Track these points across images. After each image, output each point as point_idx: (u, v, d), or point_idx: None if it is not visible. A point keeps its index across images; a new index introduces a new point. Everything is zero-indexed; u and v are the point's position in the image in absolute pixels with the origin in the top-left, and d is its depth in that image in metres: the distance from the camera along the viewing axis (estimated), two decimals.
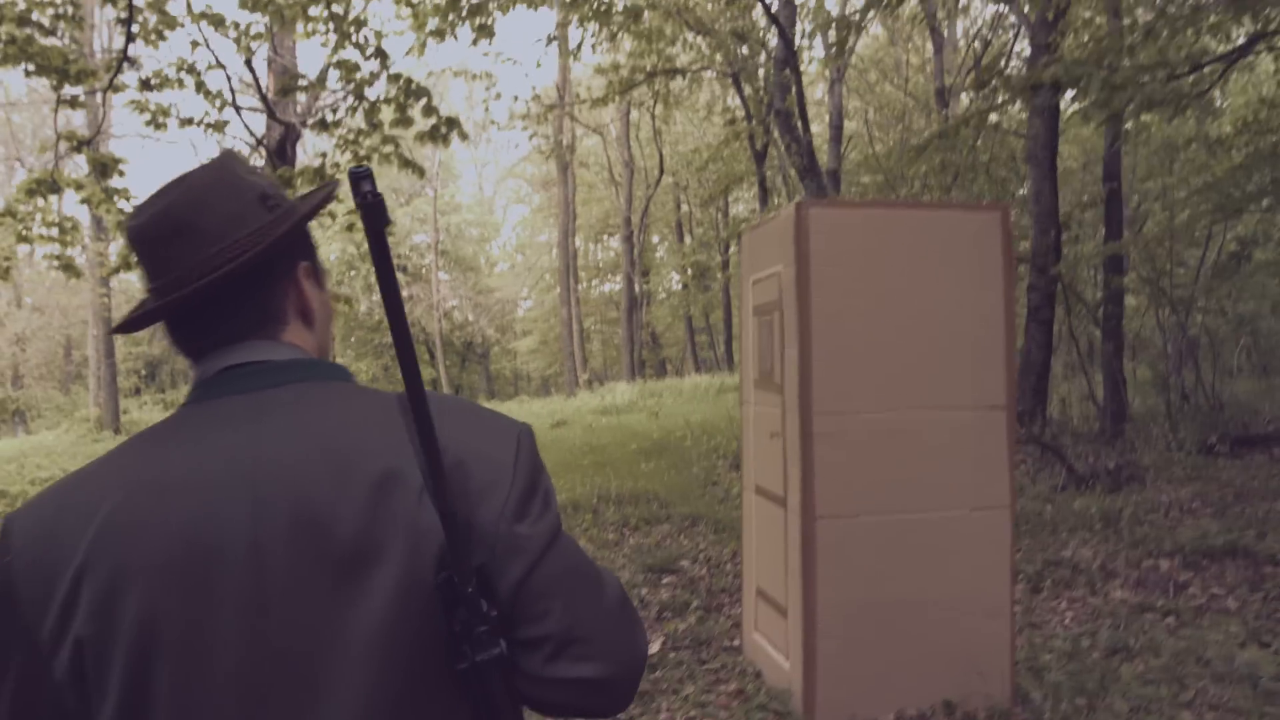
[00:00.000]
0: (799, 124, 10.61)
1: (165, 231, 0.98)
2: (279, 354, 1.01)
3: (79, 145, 6.00)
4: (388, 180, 26.92)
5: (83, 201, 6.47)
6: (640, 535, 6.83)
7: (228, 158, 1.05)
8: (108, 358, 21.60)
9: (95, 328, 23.71)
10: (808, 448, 3.75)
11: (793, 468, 3.87)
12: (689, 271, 26.20)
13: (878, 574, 3.81)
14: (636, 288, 23.36)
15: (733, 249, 24.09)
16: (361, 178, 0.84)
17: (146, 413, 25.68)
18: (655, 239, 31.30)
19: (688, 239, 28.42)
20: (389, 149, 6.58)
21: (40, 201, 6.26)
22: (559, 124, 21.03)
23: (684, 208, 28.25)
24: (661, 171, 22.76)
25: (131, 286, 33.82)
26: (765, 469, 4.36)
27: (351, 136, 7.06)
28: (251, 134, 11.49)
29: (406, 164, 7.53)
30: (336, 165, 7.13)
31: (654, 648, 4.63)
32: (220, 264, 0.96)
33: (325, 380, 1.01)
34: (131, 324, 1.03)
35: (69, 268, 6.84)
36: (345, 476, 0.88)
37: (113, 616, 0.85)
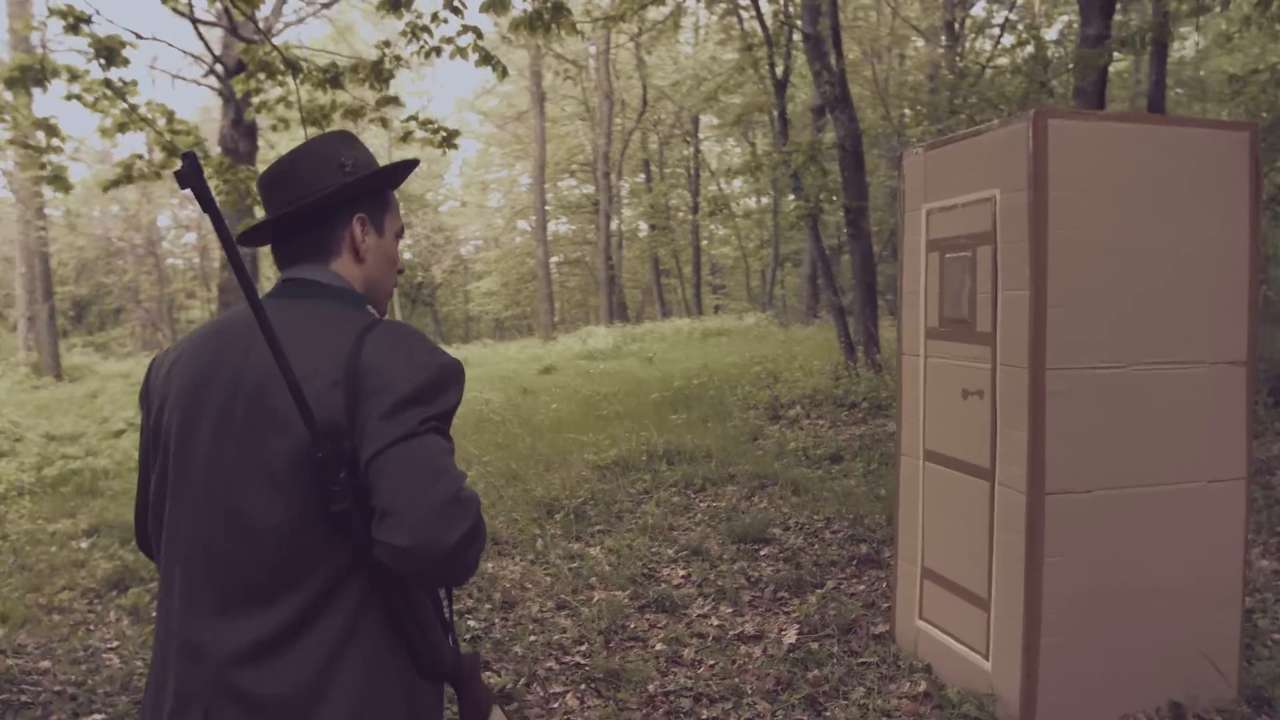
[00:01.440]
0: (831, 50, 9.85)
1: (274, 180, 1.53)
2: (320, 276, 1.49)
3: (75, 23, 4.96)
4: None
5: (71, 98, 5.45)
6: (708, 498, 6.19)
7: (336, 135, 1.57)
8: (46, 299, 20.04)
9: (24, 264, 22.00)
10: (1037, 410, 3.11)
11: (1011, 433, 3.23)
12: (663, 213, 25.39)
13: (1106, 558, 3.22)
14: (615, 227, 22.44)
15: (723, 188, 23.30)
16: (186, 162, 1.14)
17: (82, 356, 24.11)
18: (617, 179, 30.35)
19: (656, 178, 27.53)
20: (467, 40, 5.61)
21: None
22: (536, 50, 19.85)
23: (653, 146, 27.32)
24: (645, 104, 21.75)
25: (62, 222, 31.75)
26: (950, 433, 3.72)
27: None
28: (209, 50, 10.36)
29: (487, 60, 6.55)
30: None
31: (790, 637, 4.00)
32: (293, 204, 1.48)
33: (335, 302, 1.46)
34: (243, 239, 1.61)
35: (58, 179, 5.82)
36: (303, 364, 1.29)
37: (162, 413, 1.46)
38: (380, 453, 1.24)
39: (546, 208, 23.01)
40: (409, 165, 1.63)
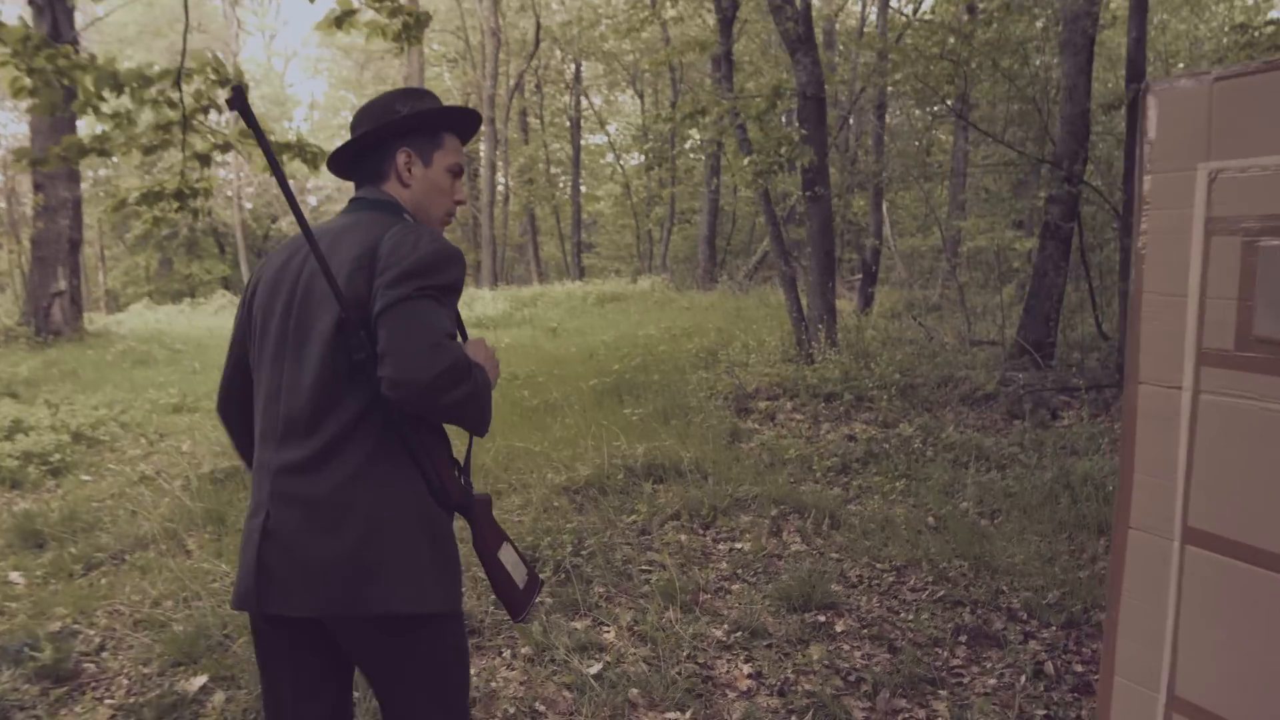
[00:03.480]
0: None
1: (353, 122, 1.98)
2: (372, 195, 1.93)
3: None
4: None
5: None
6: (724, 536, 4.80)
7: (404, 90, 2.00)
8: None
9: None
10: None
11: None
12: (543, 167, 23.54)
13: None
14: (503, 182, 20.46)
15: (600, 137, 21.62)
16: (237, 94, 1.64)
17: None
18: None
19: (534, 124, 25.57)
20: None
21: None
22: None
23: (531, 95, 25.32)
24: (538, 42, 19.79)
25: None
26: (1245, 510, 2.44)
27: None
28: None
29: None
30: None
31: None
32: (356, 137, 1.93)
33: (377, 211, 1.88)
34: (330, 167, 2.04)
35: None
36: (342, 255, 1.74)
37: (253, 301, 1.91)
38: (384, 310, 1.64)
39: None
40: (455, 111, 2.00)
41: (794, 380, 7.83)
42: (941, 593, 4.08)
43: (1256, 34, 7.80)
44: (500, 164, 20.70)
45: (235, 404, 1.99)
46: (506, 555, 1.94)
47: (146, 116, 4.89)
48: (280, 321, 1.81)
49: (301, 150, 4.79)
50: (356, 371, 1.69)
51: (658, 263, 23.47)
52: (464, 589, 2.97)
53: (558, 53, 22.63)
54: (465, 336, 1.95)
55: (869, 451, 6.20)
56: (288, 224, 35.67)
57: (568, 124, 24.92)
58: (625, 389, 7.84)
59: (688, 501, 5.07)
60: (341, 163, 2.00)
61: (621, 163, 24.95)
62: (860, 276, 14.24)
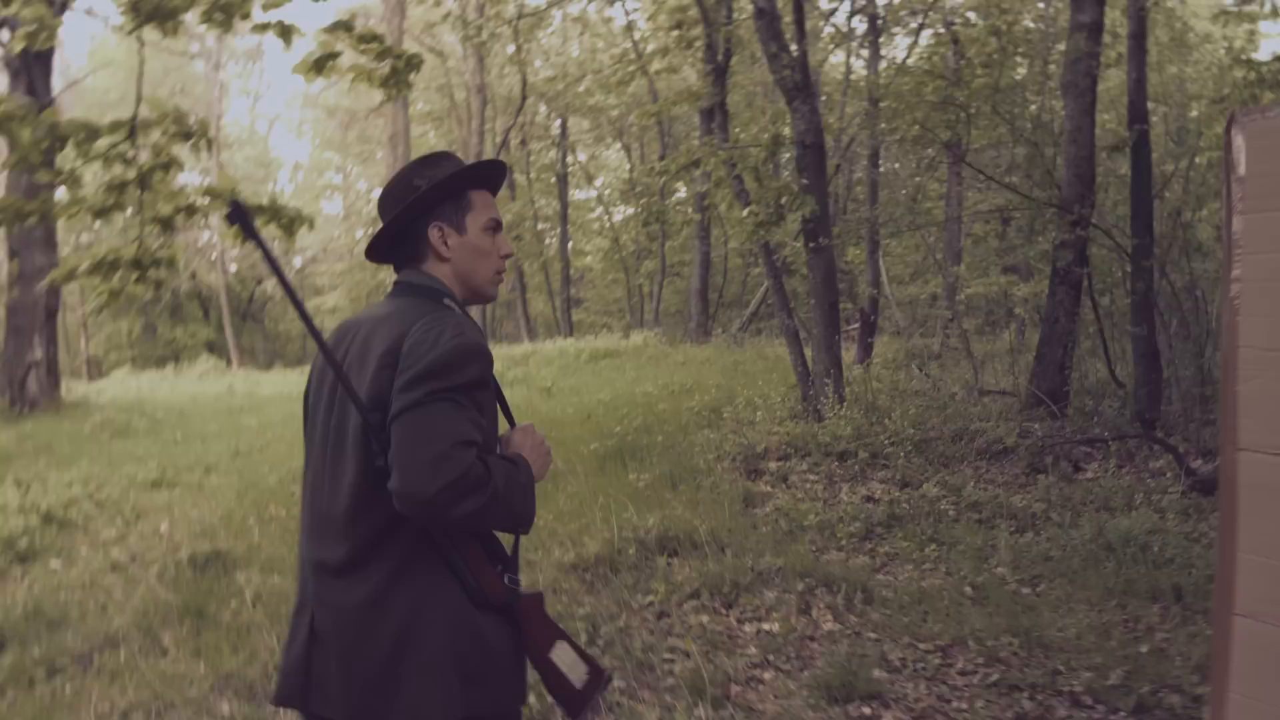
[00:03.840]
0: (793, 29, 8.33)
1: (379, 204, 1.94)
2: (413, 278, 1.87)
3: None
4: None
5: None
6: (748, 615, 4.42)
7: (422, 158, 1.95)
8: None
9: None
10: None
11: None
12: (531, 222, 23.39)
13: None
14: None
15: (587, 192, 21.48)
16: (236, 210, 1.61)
17: None
18: None
19: (520, 180, 25.50)
20: None
21: None
22: (398, 37, 17.48)
23: (516, 150, 25.29)
24: (524, 98, 19.72)
25: None
26: None
27: None
28: None
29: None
30: None
31: None
32: (383, 225, 1.90)
33: (415, 297, 1.83)
34: (368, 255, 2.00)
35: None
36: (374, 350, 1.71)
37: (309, 382, 1.91)
38: (395, 418, 1.59)
39: None
40: (476, 168, 1.93)
41: (804, 439, 7.49)
42: (995, 676, 3.71)
43: (1265, 70, 7.65)
44: None
45: None
46: (561, 655, 1.83)
47: (98, 175, 4.45)
48: (325, 415, 1.81)
49: (276, 214, 4.36)
50: (384, 476, 1.61)
51: (649, 317, 23.24)
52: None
53: (543, 108, 22.58)
54: (512, 422, 1.95)
55: (891, 514, 5.85)
56: (273, 285, 35.43)
57: (554, 180, 24.85)
58: (628, 452, 7.49)
59: (707, 578, 4.70)
60: (380, 250, 1.95)
61: (609, 217, 24.85)
62: (857, 326, 14.01)
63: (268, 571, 4.91)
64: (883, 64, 13.23)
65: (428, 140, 26.07)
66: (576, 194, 28.26)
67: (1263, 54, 8.71)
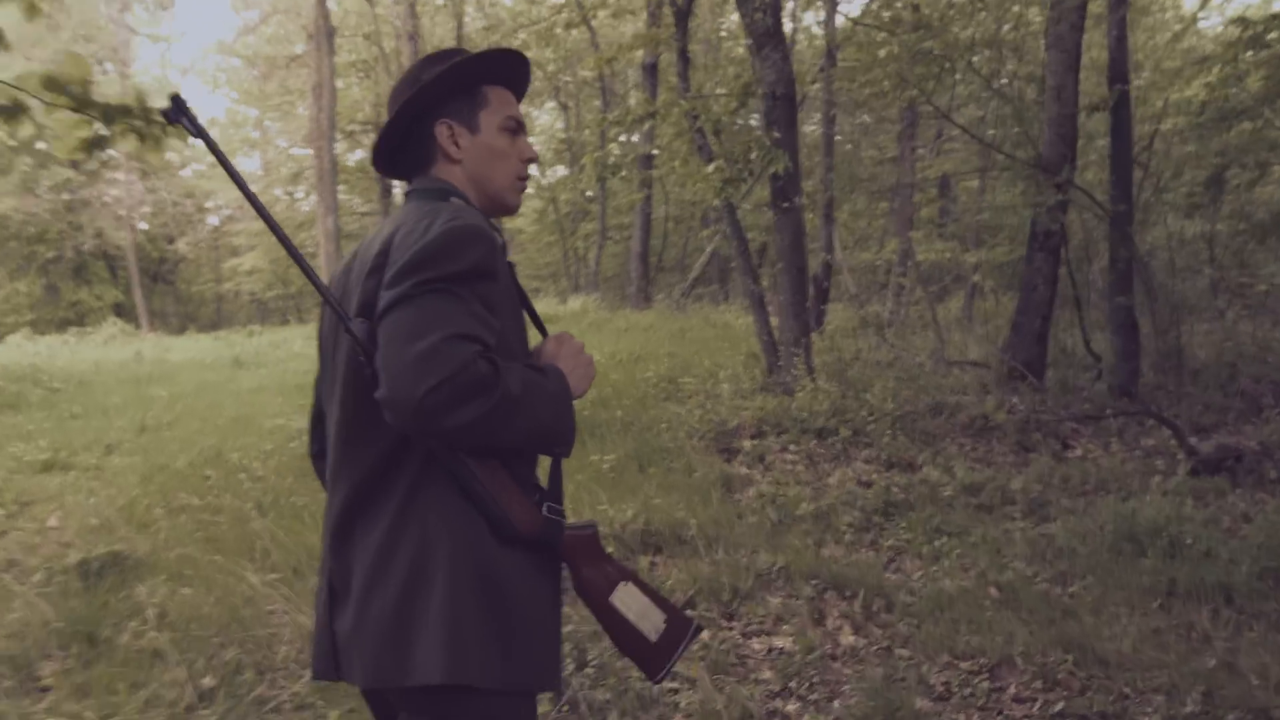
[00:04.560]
0: None
1: (388, 108, 1.67)
2: (423, 183, 1.63)
3: None
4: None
5: None
6: (754, 625, 3.80)
7: (432, 55, 1.67)
8: None
9: None
10: None
11: None
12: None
13: None
14: None
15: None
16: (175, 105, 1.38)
17: None
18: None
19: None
20: None
21: None
22: None
23: None
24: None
25: None
26: None
27: None
28: None
29: None
30: None
31: None
32: (386, 124, 1.64)
33: (422, 200, 1.58)
34: (375, 165, 1.74)
35: None
36: (367, 259, 1.51)
37: (324, 319, 1.66)
38: (380, 318, 1.35)
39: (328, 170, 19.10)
40: (489, 57, 1.64)
41: (778, 414, 6.90)
42: (1059, 705, 3.16)
43: (1260, 28, 7.23)
44: None
45: (322, 455, 1.71)
46: (627, 599, 1.54)
47: None
48: (330, 348, 1.62)
49: (145, 118, 2.99)
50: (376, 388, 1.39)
51: (585, 281, 22.44)
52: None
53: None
54: (544, 333, 1.65)
55: (888, 501, 5.30)
56: (184, 244, 33.51)
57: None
58: (587, 429, 6.79)
59: (702, 582, 4.06)
60: (386, 159, 1.71)
61: (544, 176, 23.84)
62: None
63: (176, 580, 4.10)
64: (839, 19, 12.58)
65: (351, 93, 24.62)
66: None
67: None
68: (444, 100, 1.62)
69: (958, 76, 8.79)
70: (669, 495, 5.18)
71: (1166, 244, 9.00)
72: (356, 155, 26.87)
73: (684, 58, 8.59)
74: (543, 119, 29.26)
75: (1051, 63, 8.04)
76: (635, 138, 16.60)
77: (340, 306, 1.46)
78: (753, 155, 7.54)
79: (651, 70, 16.33)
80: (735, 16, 14.56)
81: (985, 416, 6.94)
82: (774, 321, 8.68)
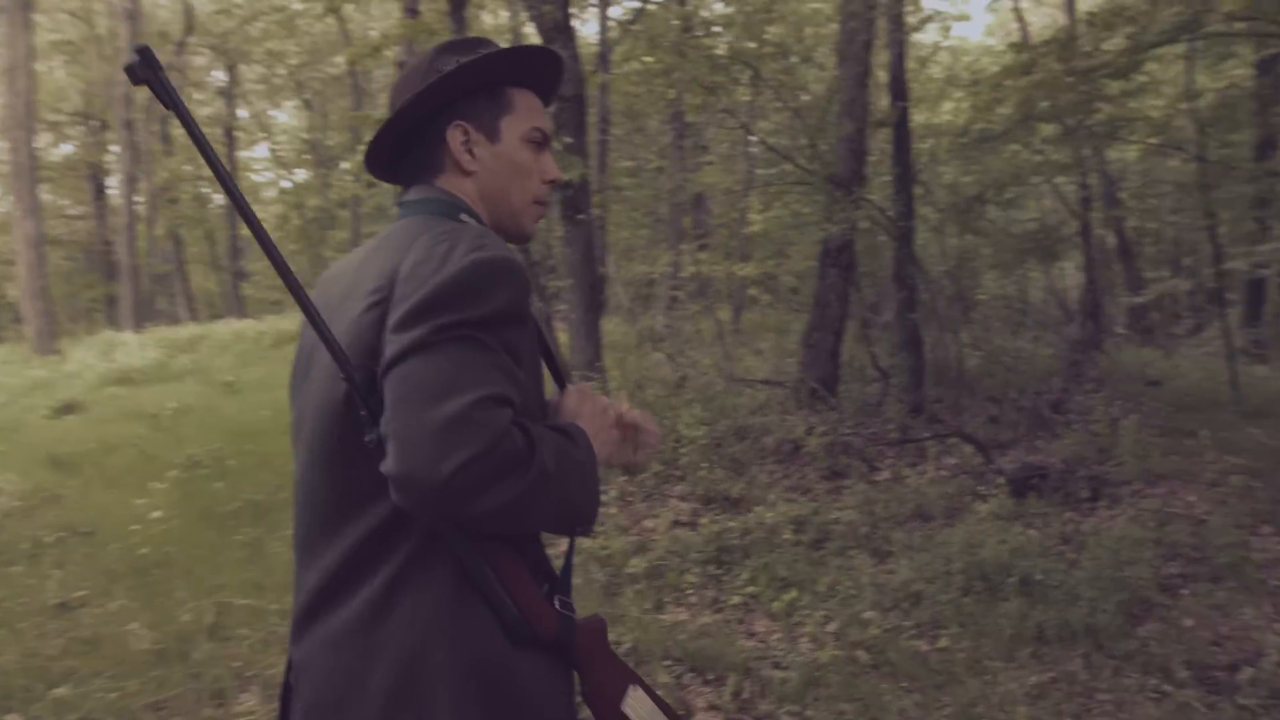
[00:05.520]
0: None
1: (390, 101, 1.38)
2: (425, 194, 1.33)
3: None
4: None
5: None
6: None
7: (449, 41, 1.38)
8: None
9: None
10: None
11: None
12: (191, 182, 19.90)
13: None
14: (142, 200, 16.58)
15: (253, 151, 18.67)
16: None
17: None
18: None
19: (179, 135, 21.74)
20: None
21: None
22: None
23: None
24: (189, 33, 16.27)
25: None
26: None
27: None
28: None
29: None
30: None
31: None
32: (389, 119, 1.34)
33: (424, 215, 1.29)
34: (368, 165, 1.43)
35: None
36: (363, 289, 1.21)
37: (300, 353, 1.35)
38: (388, 370, 1.09)
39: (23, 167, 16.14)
40: (521, 54, 1.36)
41: None
42: None
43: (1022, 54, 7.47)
44: (141, 179, 16.92)
45: None
46: (636, 705, 1.27)
47: None
48: (304, 392, 1.31)
49: None
50: (374, 457, 1.10)
51: None
52: None
53: (207, 53, 19.20)
54: (562, 383, 1.40)
55: (720, 548, 4.78)
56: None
57: (222, 135, 21.34)
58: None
59: None
60: (384, 159, 1.41)
61: (289, 178, 21.93)
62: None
63: None
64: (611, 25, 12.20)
65: (54, 76, 21.43)
66: (246, 154, 24.79)
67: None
68: (463, 98, 1.34)
69: (743, 83, 8.56)
70: None
71: (943, 258, 9.23)
72: (63, 149, 23.53)
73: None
74: (281, 118, 27.11)
75: (844, 78, 7.96)
76: None
77: (337, 343, 1.14)
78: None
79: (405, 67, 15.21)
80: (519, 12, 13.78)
81: (794, 442, 6.64)
82: (563, 340, 8.04)
